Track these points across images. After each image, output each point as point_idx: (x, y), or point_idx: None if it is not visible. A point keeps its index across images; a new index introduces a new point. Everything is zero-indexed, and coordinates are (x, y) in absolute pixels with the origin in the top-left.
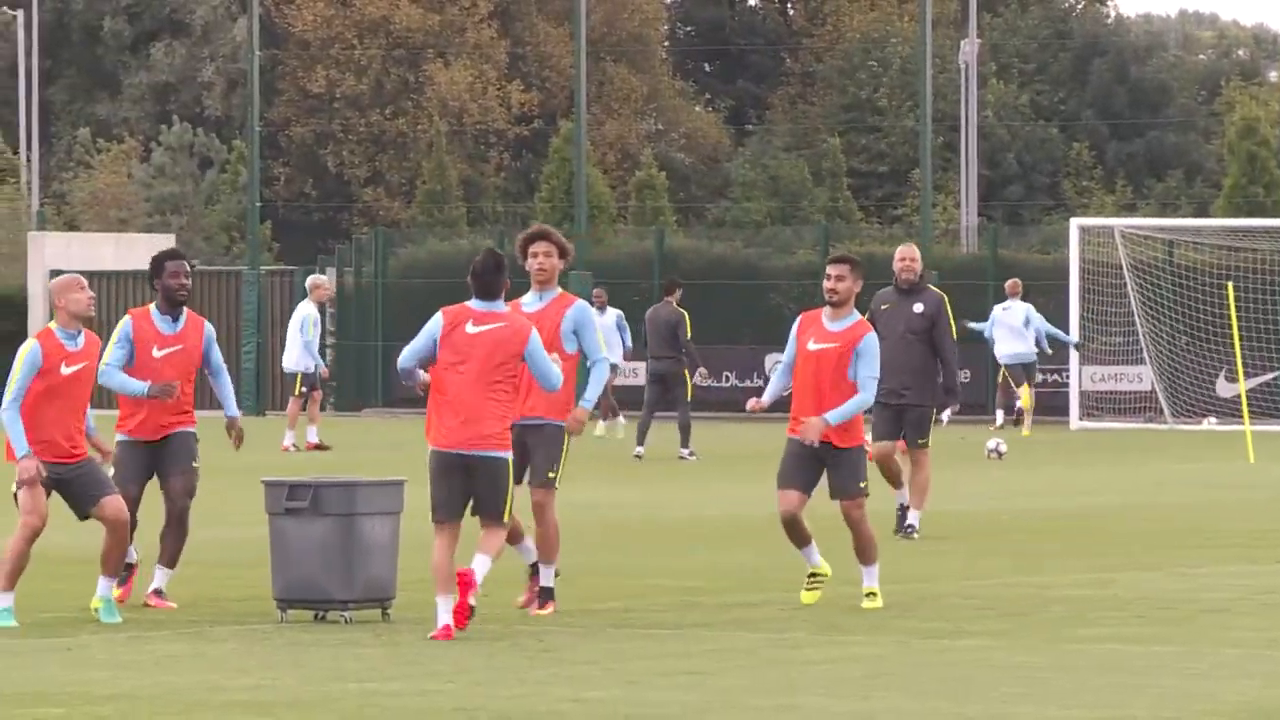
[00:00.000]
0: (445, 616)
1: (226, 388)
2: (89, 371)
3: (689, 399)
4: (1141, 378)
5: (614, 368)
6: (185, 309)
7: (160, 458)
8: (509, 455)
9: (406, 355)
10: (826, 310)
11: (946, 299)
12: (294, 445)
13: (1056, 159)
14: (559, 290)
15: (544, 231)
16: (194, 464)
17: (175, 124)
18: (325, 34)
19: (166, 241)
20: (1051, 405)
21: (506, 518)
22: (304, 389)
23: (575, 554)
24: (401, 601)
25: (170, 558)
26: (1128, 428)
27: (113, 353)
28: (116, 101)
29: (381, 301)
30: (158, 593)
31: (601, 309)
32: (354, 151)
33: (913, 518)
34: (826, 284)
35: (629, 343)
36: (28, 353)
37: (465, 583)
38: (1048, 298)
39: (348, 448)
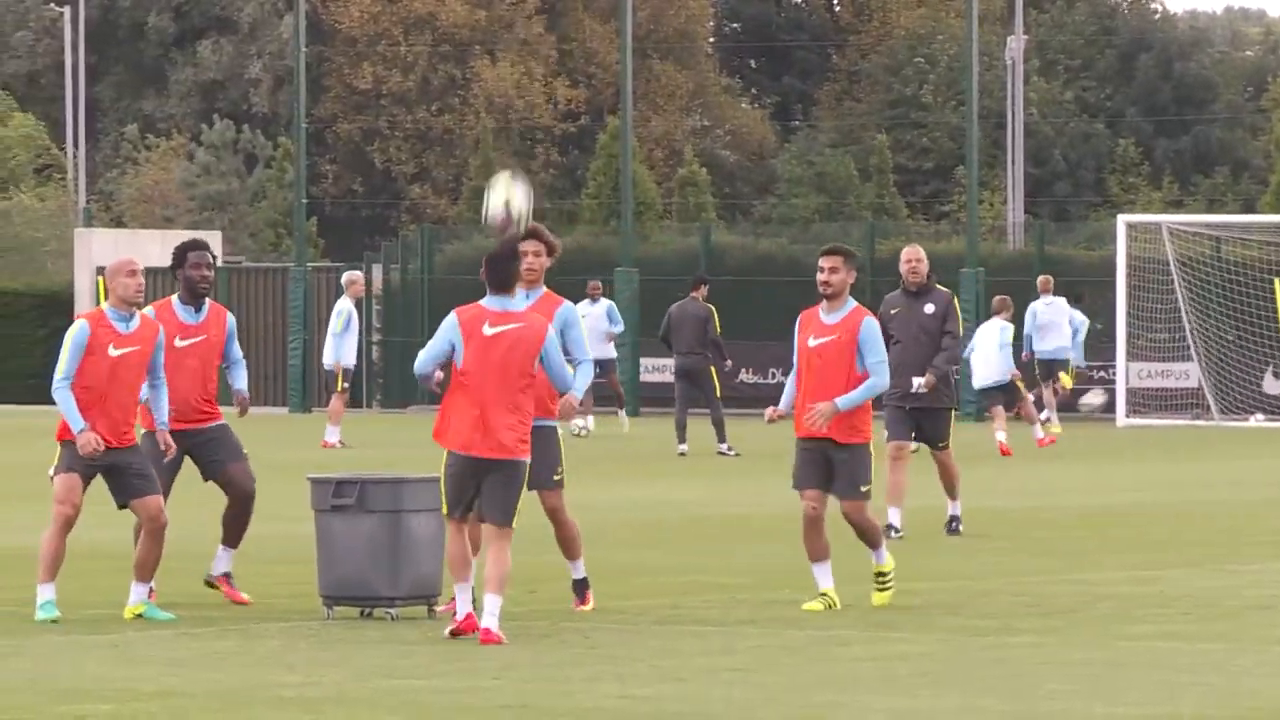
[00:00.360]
0: (465, 606)
1: (241, 378)
2: (141, 355)
3: (719, 394)
4: (1188, 374)
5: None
6: (208, 300)
7: (201, 450)
8: (527, 460)
9: (424, 360)
10: (823, 304)
11: (955, 297)
12: (340, 441)
13: (1102, 155)
14: (544, 289)
15: (533, 230)
16: (243, 449)
17: (218, 122)
18: (372, 30)
19: (213, 239)
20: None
21: (514, 522)
22: (346, 384)
23: (621, 552)
24: (447, 598)
25: (236, 537)
26: (1174, 424)
27: None
28: (163, 98)
29: (427, 298)
30: (227, 577)
31: (594, 299)
32: (400, 148)
33: (954, 509)
34: (820, 277)
35: (619, 326)
36: (75, 332)
37: (492, 640)
38: (1095, 295)
39: (393, 444)
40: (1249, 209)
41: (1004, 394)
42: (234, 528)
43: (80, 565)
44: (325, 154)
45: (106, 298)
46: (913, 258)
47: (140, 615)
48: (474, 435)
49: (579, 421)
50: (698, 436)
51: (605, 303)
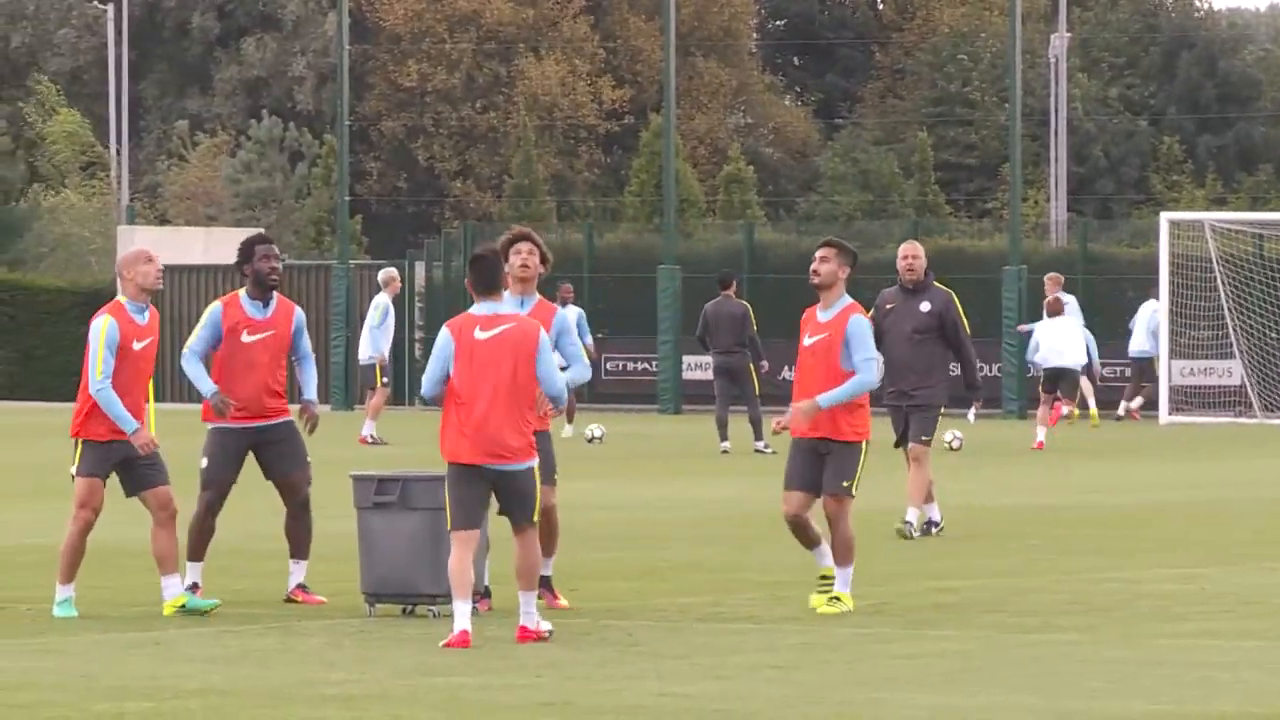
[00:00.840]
0: (463, 622)
1: (310, 374)
2: (154, 346)
3: (758, 392)
4: (1231, 372)
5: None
6: (275, 294)
7: (266, 450)
8: (534, 463)
9: (429, 384)
10: (820, 302)
11: (954, 295)
12: (374, 437)
13: (1145, 153)
14: (539, 297)
15: (526, 233)
16: (307, 454)
17: (265, 118)
18: (416, 28)
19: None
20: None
21: (536, 517)
22: (386, 379)
23: (663, 549)
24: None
25: (304, 548)
26: (1217, 422)
27: (198, 335)
28: (207, 96)
29: (470, 296)
30: (302, 587)
31: (564, 304)
32: (444, 146)
33: (911, 515)
34: (811, 266)
35: (589, 339)
36: (106, 331)
37: (529, 638)
38: (1137, 292)
39: (434, 442)
40: None
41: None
42: (296, 538)
43: (122, 563)
44: (370, 151)
45: (122, 290)
46: (909, 254)
47: (184, 607)
48: (477, 444)
49: (595, 429)
50: (738, 434)
51: (576, 310)
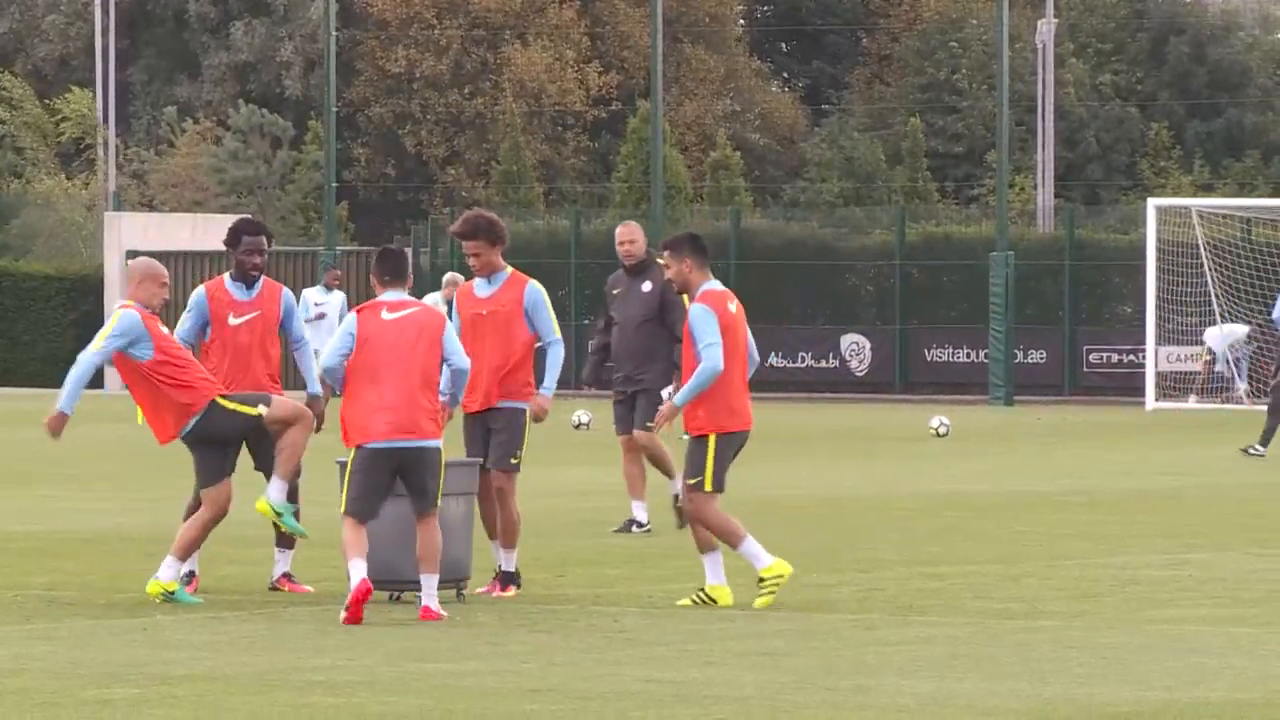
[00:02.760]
0: (357, 577)
1: (308, 360)
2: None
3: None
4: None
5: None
6: (261, 276)
7: (262, 436)
8: (439, 443)
9: (331, 355)
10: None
11: None
12: None
13: (1135, 139)
14: (509, 271)
15: (468, 228)
16: None
17: (243, 106)
18: (404, 14)
19: None
20: (1128, 385)
21: (438, 503)
22: None
23: (649, 536)
24: (477, 582)
25: (289, 537)
26: (1204, 408)
27: (183, 323)
28: (196, 83)
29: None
30: (288, 576)
31: (330, 289)
32: (432, 132)
33: (641, 513)
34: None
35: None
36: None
37: (430, 618)
38: (1125, 278)
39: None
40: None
41: None
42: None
43: (111, 548)
44: (357, 138)
45: (130, 295)
46: (626, 238)
47: (171, 594)
48: (389, 422)
49: (581, 414)
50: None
51: (340, 295)
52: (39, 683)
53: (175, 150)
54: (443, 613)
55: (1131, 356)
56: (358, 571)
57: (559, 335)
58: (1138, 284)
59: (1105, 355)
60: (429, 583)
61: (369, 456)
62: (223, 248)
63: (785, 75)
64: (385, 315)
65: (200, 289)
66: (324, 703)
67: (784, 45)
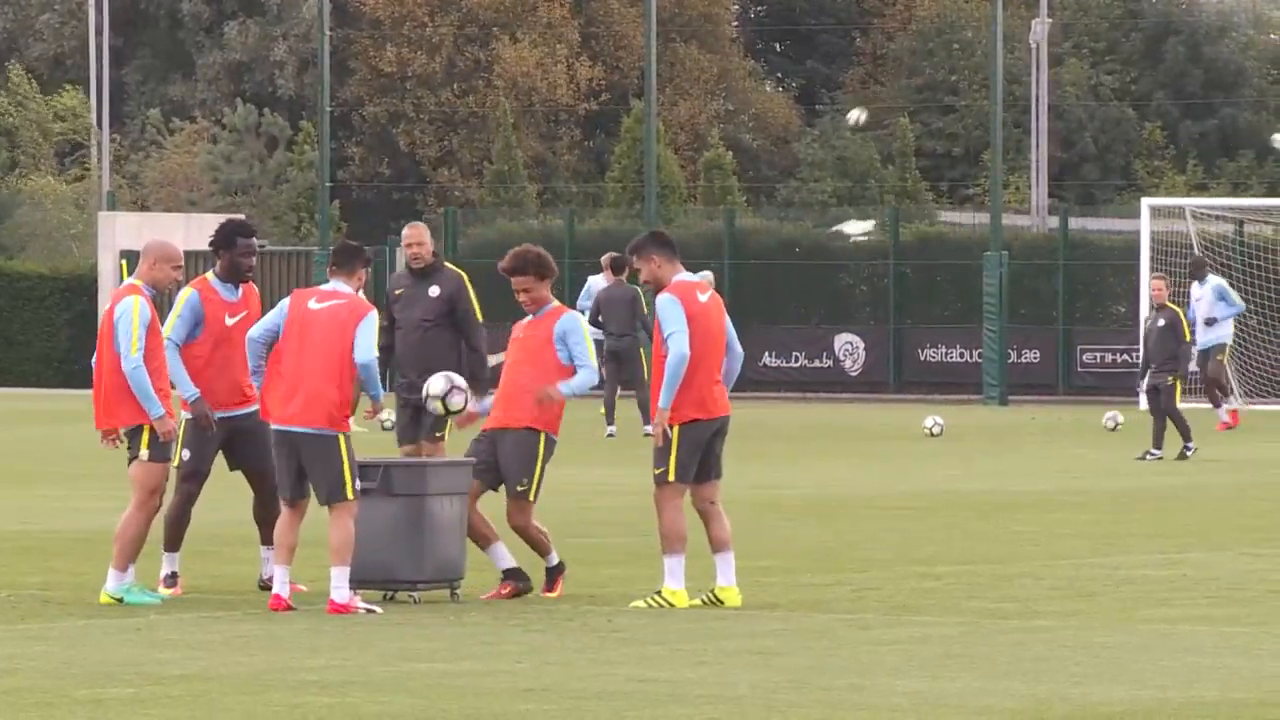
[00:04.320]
0: (281, 587)
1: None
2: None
3: (647, 376)
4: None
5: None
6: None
7: (241, 436)
8: (341, 433)
9: (258, 328)
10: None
11: (466, 277)
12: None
13: (1131, 139)
14: (551, 305)
15: (518, 264)
16: None
17: (240, 105)
18: (397, 12)
19: None
20: (1122, 385)
21: (350, 494)
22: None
23: (643, 536)
24: (470, 582)
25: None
26: (1198, 408)
27: (174, 326)
28: (190, 82)
29: None
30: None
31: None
32: (425, 131)
33: None
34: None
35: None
36: (138, 309)
37: (337, 610)
38: (1118, 277)
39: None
40: (1273, 192)
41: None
42: (269, 525)
43: (105, 549)
44: (351, 137)
45: (139, 274)
46: (413, 240)
47: (122, 601)
48: (288, 407)
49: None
50: (625, 419)
51: None
52: (33, 682)
53: (163, 151)
54: (359, 605)
55: (1125, 356)
56: (280, 583)
57: (592, 363)
58: (1131, 283)
59: (1099, 355)
60: (336, 575)
61: (274, 436)
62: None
63: (779, 75)
64: (311, 304)
65: (192, 291)
66: (318, 702)
67: (778, 45)
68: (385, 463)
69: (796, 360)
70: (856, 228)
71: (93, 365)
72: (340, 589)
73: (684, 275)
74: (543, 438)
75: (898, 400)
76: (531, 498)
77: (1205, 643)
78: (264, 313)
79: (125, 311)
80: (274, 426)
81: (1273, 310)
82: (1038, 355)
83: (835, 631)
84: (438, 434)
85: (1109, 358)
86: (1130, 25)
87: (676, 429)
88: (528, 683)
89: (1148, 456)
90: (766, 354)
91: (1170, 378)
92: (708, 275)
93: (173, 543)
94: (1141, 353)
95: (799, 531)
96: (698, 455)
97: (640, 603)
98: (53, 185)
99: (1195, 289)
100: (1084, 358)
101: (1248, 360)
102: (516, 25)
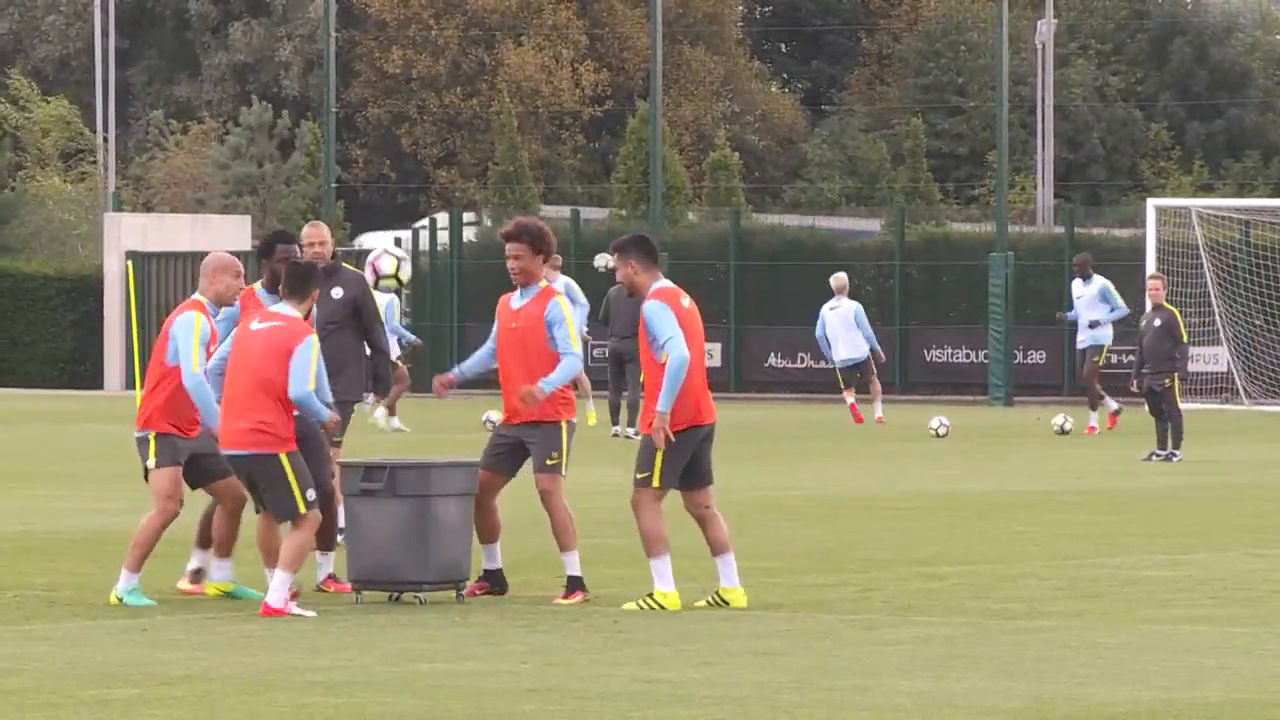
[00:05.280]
0: (275, 598)
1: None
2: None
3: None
4: (1217, 358)
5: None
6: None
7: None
8: (281, 453)
9: (212, 361)
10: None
11: (366, 279)
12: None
13: (1137, 140)
14: (541, 285)
15: (513, 231)
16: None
17: (255, 104)
18: (402, 14)
19: (243, 223)
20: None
21: (303, 509)
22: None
23: None
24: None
25: (330, 540)
26: (1203, 409)
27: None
28: (195, 83)
29: (455, 282)
30: (332, 577)
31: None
32: (429, 132)
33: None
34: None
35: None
36: (198, 326)
37: (269, 613)
38: (1123, 278)
39: (422, 429)
40: (1279, 193)
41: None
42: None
43: (110, 549)
44: (355, 138)
45: (202, 291)
46: (315, 240)
47: (230, 594)
48: (232, 431)
49: (493, 414)
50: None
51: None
52: (37, 683)
53: (166, 152)
54: (292, 609)
55: (1131, 357)
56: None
57: (576, 350)
58: (1136, 284)
59: (1105, 356)
60: (277, 579)
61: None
62: (228, 248)
63: (785, 76)
64: (253, 325)
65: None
66: (322, 703)
67: (783, 46)
68: (391, 464)
69: (802, 361)
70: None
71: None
72: (277, 592)
73: (663, 282)
74: (563, 425)
75: (903, 401)
76: (563, 472)
77: (1208, 643)
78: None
79: (186, 326)
80: (225, 451)
81: (1277, 312)
82: (1043, 356)
83: (839, 632)
84: (336, 439)
85: (1115, 359)
86: (1136, 26)
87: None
88: (531, 683)
89: (1153, 457)
90: (772, 355)
91: (1167, 379)
92: (841, 278)
93: (203, 540)
94: (1137, 351)
95: (802, 532)
96: (684, 462)
97: (632, 605)
98: (57, 186)
99: (1078, 286)
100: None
101: (1253, 361)
102: (522, 29)
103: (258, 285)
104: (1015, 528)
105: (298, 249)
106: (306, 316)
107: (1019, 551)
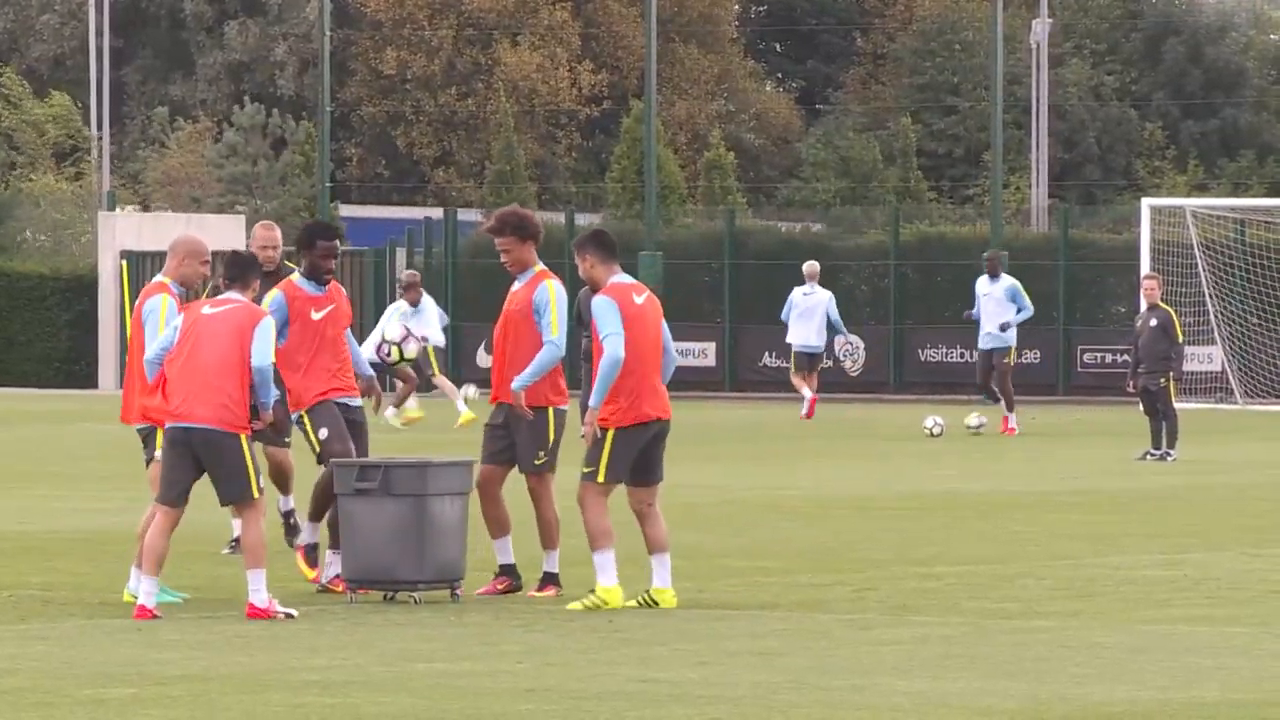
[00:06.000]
0: (148, 599)
1: (356, 352)
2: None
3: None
4: (1212, 358)
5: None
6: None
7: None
8: (242, 435)
9: (157, 345)
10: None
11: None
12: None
13: (1132, 140)
14: (535, 270)
15: (499, 224)
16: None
17: (248, 104)
18: (397, 14)
19: (237, 222)
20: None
21: (255, 494)
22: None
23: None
24: (470, 582)
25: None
26: (1198, 408)
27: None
28: (190, 82)
29: (451, 282)
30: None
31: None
32: (425, 132)
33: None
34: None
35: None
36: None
37: (255, 615)
38: (1119, 278)
39: (418, 428)
40: (1274, 193)
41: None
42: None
43: (106, 549)
44: (350, 138)
45: (165, 270)
46: (269, 243)
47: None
48: (186, 406)
49: (470, 389)
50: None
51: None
52: (34, 682)
53: (169, 150)
54: (276, 610)
55: (1126, 356)
56: (146, 595)
57: (554, 337)
58: (1132, 284)
59: (1099, 355)
60: (255, 578)
61: (166, 438)
62: (223, 247)
63: (780, 75)
64: (205, 310)
65: (277, 292)
66: (318, 702)
67: (778, 45)
68: (385, 463)
69: None
70: None
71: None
72: (259, 593)
73: (620, 276)
74: (551, 413)
75: (898, 400)
76: (551, 470)
77: (1206, 643)
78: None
79: (154, 310)
80: (171, 424)
81: (1272, 311)
82: (1038, 355)
83: (835, 632)
84: (287, 440)
85: (1109, 358)
86: (1130, 26)
87: (612, 433)
88: (528, 683)
89: (1147, 457)
90: (767, 354)
91: (1163, 379)
92: (813, 265)
93: (317, 514)
94: (1132, 351)
95: (799, 532)
96: (631, 458)
97: (577, 604)
98: (52, 185)
99: (984, 284)
100: (1084, 358)
101: (1248, 361)
102: (517, 29)
103: (296, 275)
104: (1012, 528)
105: (337, 243)
106: None
107: (1016, 551)
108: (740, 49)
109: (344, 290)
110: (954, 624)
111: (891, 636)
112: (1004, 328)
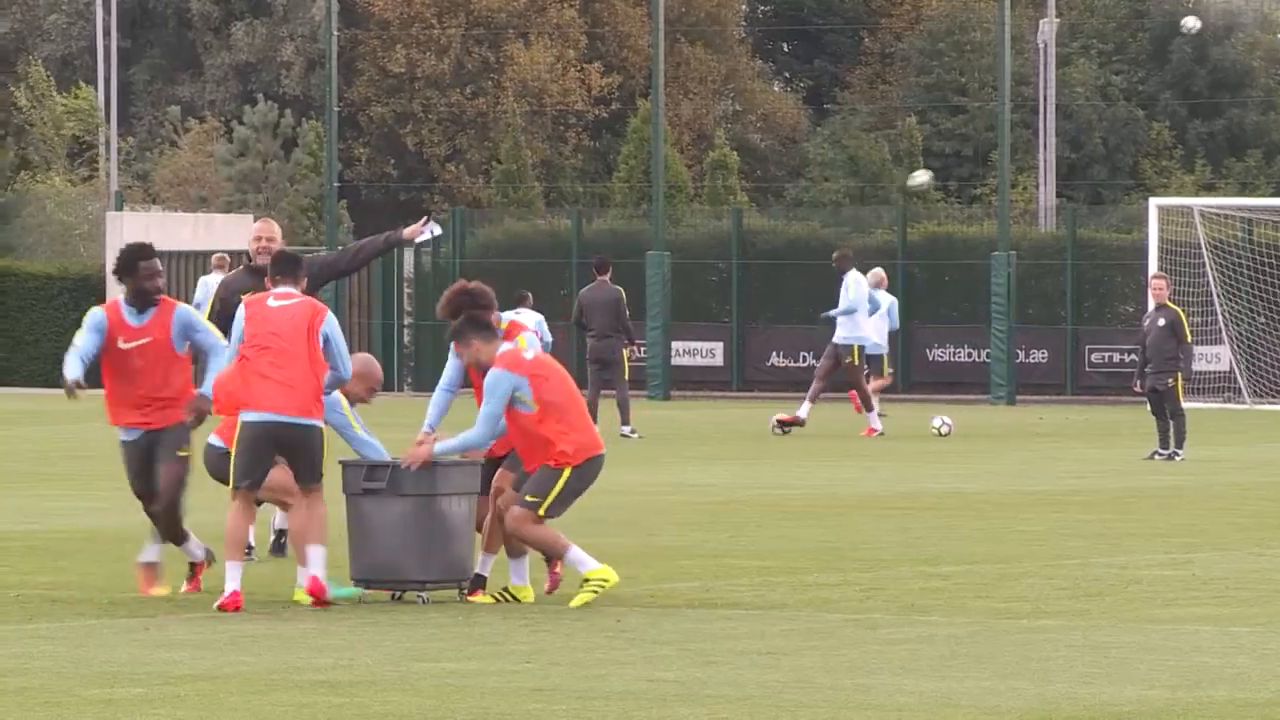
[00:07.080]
0: (234, 583)
1: (212, 369)
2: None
3: (627, 377)
4: (1219, 357)
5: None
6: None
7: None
8: (318, 423)
9: (230, 344)
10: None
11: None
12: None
13: (1139, 140)
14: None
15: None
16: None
17: (260, 102)
18: (405, 13)
19: (245, 221)
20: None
21: (322, 474)
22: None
23: (652, 535)
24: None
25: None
26: (1206, 408)
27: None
28: (198, 83)
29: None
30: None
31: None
32: (433, 131)
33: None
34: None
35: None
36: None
37: (317, 593)
38: (1126, 277)
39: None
40: None
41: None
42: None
43: (113, 548)
44: (359, 137)
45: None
46: (267, 236)
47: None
48: (273, 400)
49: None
50: (606, 419)
51: (534, 315)
52: (42, 682)
53: (179, 149)
54: (329, 586)
55: (1133, 356)
56: (232, 580)
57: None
58: (1139, 283)
59: (1107, 355)
60: (312, 554)
61: (253, 427)
62: (224, 246)
63: (787, 75)
64: (271, 303)
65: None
66: (326, 702)
67: (785, 45)
68: (393, 463)
69: (805, 360)
70: (921, 178)
71: None
72: (320, 565)
73: (503, 347)
74: (568, 471)
75: (905, 400)
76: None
77: (1213, 643)
78: (174, 334)
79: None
80: (258, 418)
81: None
82: (1045, 355)
83: (842, 631)
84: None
85: (1117, 357)
86: (1137, 25)
87: (569, 470)
88: (535, 682)
89: (1155, 456)
90: (774, 354)
91: (1170, 379)
92: (879, 273)
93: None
94: (1139, 351)
95: (805, 531)
96: (577, 497)
97: (579, 600)
98: (59, 187)
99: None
100: (1092, 357)
101: (1258, 360)
102: (526, 28)
103: (121, 299)
104: (1018, 527)
105: (157, 261)
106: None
107: (1023, 551)
108: (747, 49)
109: (177, 312)
110: (961, 624)
111: (898, 636)
112: (825, 319)
